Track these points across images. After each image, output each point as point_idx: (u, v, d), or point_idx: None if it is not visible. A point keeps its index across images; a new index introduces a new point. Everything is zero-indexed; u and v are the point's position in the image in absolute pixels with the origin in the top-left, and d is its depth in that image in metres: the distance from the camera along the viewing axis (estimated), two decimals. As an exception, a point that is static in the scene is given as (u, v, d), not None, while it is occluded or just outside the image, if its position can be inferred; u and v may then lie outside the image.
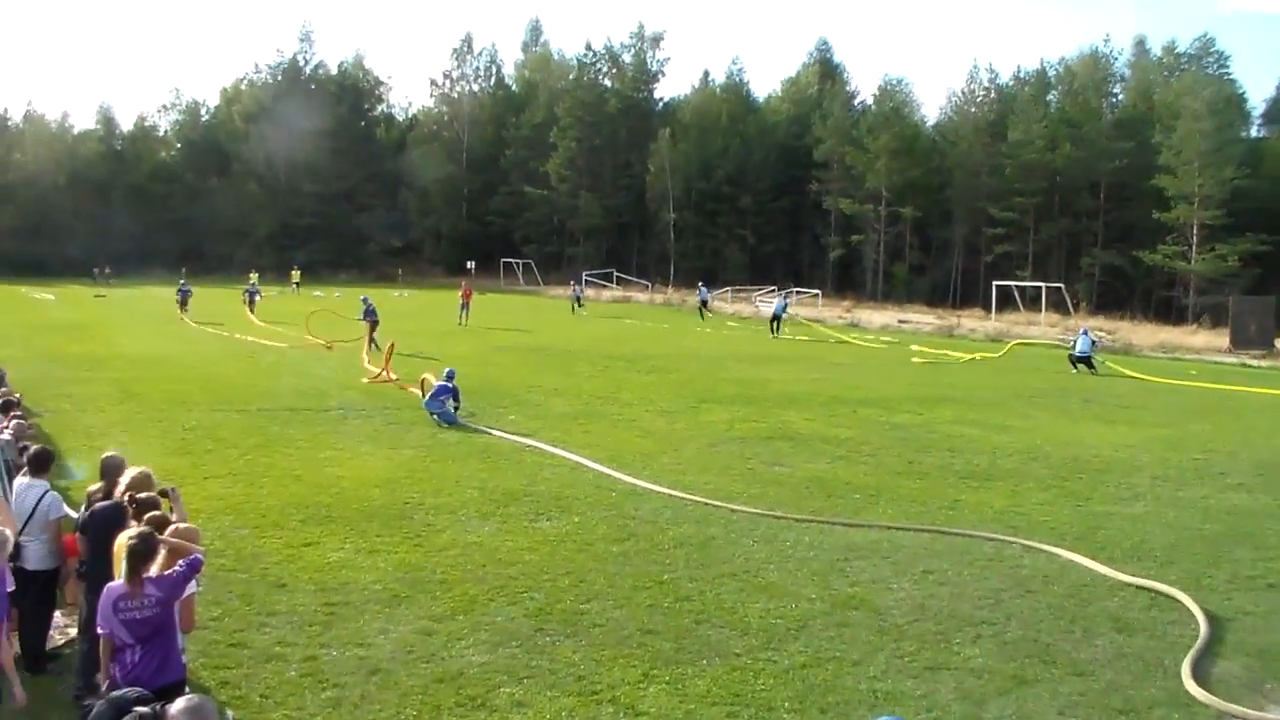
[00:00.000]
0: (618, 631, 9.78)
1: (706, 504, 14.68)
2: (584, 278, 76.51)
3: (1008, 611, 10.66)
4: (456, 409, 21.19)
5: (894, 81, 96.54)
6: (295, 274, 76.17)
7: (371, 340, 33.49)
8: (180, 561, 6.76)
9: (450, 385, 21.42)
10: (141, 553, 6.59)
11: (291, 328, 41.23)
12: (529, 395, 25.25)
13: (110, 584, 6.65)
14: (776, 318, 49.04)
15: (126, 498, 8.03)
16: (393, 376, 26.84)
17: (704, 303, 62.70)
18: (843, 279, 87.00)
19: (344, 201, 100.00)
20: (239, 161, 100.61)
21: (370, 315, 34.62)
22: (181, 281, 54.71)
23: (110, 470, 8.86)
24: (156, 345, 34.79)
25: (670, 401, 25.06)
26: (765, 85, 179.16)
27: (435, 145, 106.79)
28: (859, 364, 36.23)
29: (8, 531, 7.08)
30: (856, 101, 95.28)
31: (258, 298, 51.11)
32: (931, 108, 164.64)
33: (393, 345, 29.16)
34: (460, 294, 50.56)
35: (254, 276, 73.22)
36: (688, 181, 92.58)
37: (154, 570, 6.63)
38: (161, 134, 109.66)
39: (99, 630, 6.68)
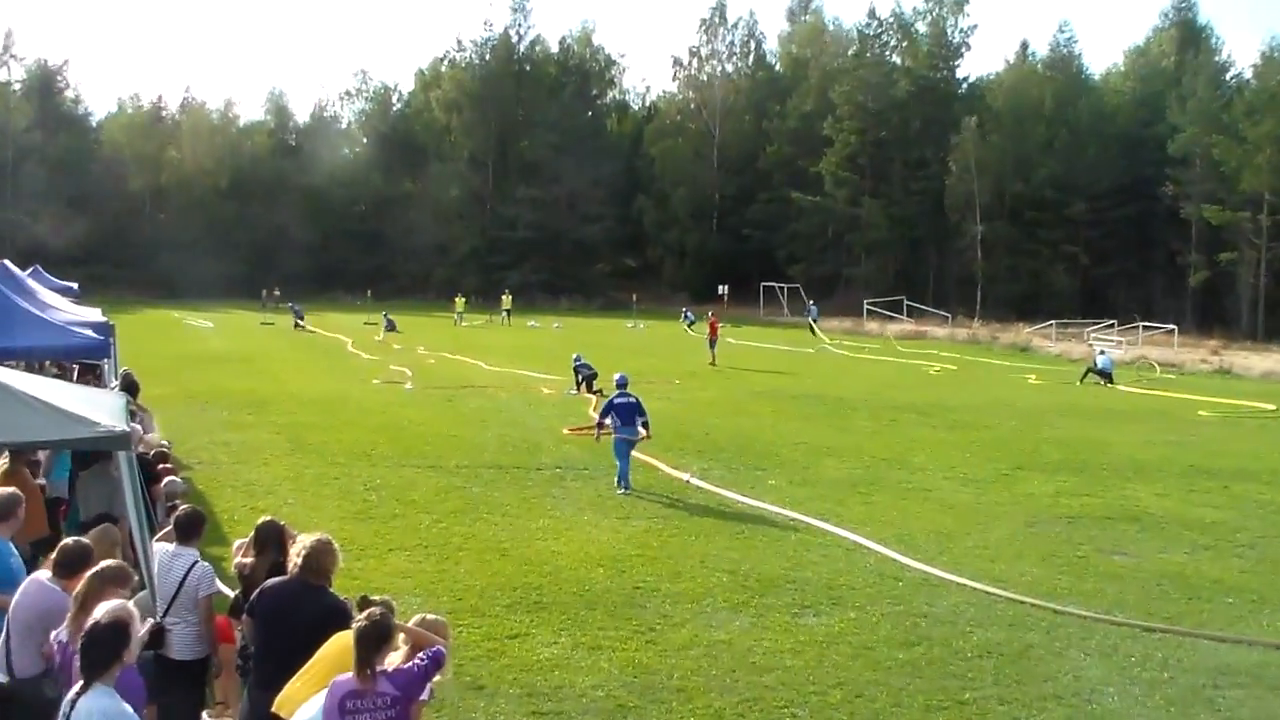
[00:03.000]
0: (905, 765, 9.57)
1: (1023, 602, 14.38)
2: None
3: None
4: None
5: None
6: (505, 299, 77.56)
7: (593, 391, 34.08)
8: (421, 654, 6.84)
9: (634, 399, 21.21)
10: (373, 639, 6.67)
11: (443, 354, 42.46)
12: (793, 455, 25.27)
13: (338, 678, 6.73)
14: (1104, 373, 46.56)
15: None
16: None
17: (815, 321, 75.09)
18: (1208, 311, 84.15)
19: (566, 210, 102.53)
20: (438, 160, 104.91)
21: (584, 370, 35.15)
22: (293, 306, 67.32)
23: (268, 538, 8.98)
24: (334, 384, 36.34)
25: (976, 467, 24.70)
26: (1103, 58, 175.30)
27: (679, 140, 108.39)
28: (1230, 424, 34.75)
29: (134, 608, 7.22)
30: (1229, 76, 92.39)
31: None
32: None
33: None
34: (706, 327, 50.94)
35: (460, 301, 75.36)
36: (999, 184, 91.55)
37: (388, 663, 6.73)
38: (344, 126, 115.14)
39: None
